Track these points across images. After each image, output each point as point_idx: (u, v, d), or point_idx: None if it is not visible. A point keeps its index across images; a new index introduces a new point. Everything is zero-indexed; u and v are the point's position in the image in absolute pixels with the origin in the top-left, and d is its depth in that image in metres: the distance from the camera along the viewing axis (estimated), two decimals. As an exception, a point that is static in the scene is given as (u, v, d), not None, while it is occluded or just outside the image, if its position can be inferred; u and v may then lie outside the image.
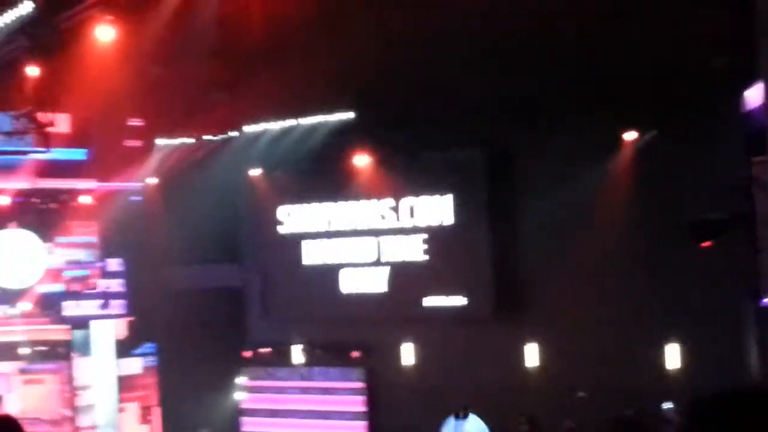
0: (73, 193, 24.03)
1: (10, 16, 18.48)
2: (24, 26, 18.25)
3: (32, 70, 18.81)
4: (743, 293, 19.28)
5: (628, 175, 20.57)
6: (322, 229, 24.67)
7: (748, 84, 16.59)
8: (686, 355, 20.34)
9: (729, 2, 16.28)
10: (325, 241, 24.68)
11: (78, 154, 23.81)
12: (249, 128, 23.63)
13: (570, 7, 17.08)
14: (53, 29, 18.12)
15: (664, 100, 19.19)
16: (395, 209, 23.68)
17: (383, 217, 23.87)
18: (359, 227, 24.24)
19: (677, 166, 19.73)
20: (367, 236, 24.13)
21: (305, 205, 24.84)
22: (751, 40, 14.41)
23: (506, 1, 17.00)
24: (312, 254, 24.90)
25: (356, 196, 24.04)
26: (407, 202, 23.52)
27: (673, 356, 20.50)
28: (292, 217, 25.09)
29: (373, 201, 23.89)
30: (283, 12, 18.20)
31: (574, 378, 21.19)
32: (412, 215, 23.50)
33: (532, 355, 22.06)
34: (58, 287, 24.50)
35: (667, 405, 19.15)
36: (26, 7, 18.29)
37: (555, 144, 20.99)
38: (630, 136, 20.44)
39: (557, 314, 21.58)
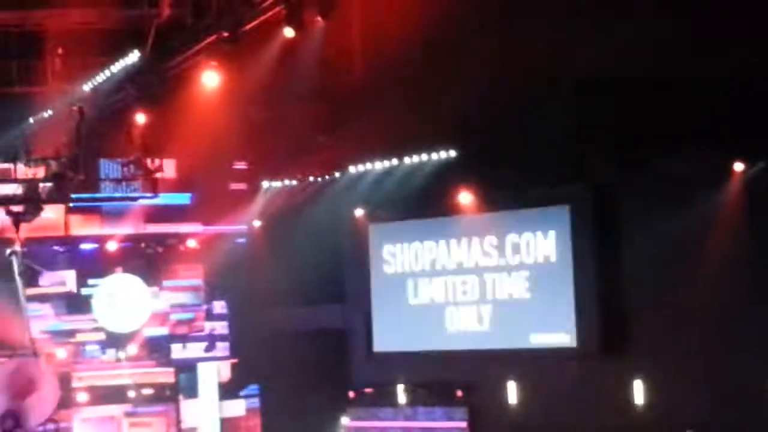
0: (179, 237, 24.38)
1: (119, 65, 18.92)
2: (131, 75, 18.63)
3: (140, 118, 19.14)
4: None
5: (737, 208, 20.25)
6: (427, 267, 24.78)
7: None
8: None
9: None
10: (430, 279, 24.76)
11: (183, 198, 24.16)
12: (352, 169, 23.78)
13: (677, 37, 16.99)
14: (160, 77, 18.43)
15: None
16: (499, 247, 23.70)
17: (488, 255, 23.91)
18: (465, 265, 24.29)
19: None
20: (472, 274, 24.17)
21: (409, 244, 24.95)
22: None
23: (613, 31, 16.95)
24: (417, 293, 25.00)
25: (460, 235, 24.10)
26: (511, 238, 23.53)
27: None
28: (397, 257, 25.20)
29: (477, 239, 23.94)
30: (383, 52, 18.39)
31: (683, 415, 20.87)
32: (517, 252, 23.52)
33: (639, 392, 21.79)
34: (164, 330, 24.80)
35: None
36: (133, 57, 18.71)
37: (661, 177, 20.75)
38: (738, 167, 20.16)
39: (664, 351, 21.23)
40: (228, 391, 25.41)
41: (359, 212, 25.21)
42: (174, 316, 24.98)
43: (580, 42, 17.67)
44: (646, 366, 21.61)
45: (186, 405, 24.93)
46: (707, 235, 20.39)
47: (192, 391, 25.01)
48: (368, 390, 25.50)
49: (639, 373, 21.72)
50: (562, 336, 22.84)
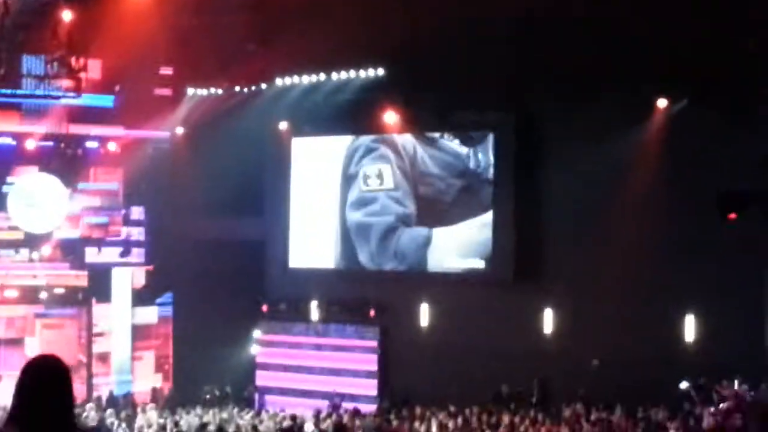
0: (100, 139, 24.02)
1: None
2: (61, -30, 18.23)
3: (67, 15, 18.74)
4: (764, 267, 19.31)
5: (657, 146, 20.51)
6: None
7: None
8: (703, 328, 20.39)
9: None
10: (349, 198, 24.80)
11: (106, 100, 23.77)
12: (279, 81, 23.57)
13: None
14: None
15: (699, 70, 19.06)
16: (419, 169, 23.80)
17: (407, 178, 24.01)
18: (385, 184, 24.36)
19: (708, 137, 19.65)
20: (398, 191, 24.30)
21: (332, 162, 25.03)
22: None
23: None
24: (337, 211, 25.05)
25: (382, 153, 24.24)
26: (432, 161, 23.59)
27: (690, 328, 20.55)
28: (319, 173, 25.28)
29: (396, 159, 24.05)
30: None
31: (591, 347, 21.24)
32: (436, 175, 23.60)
33: (548, 321, 22.15)
34: (79, 233, 24.54)
35: (685, 384, 19.13)
36: (62, -48, 18.30)
37: (585, 112, 20.94)
38: (662, 103, 20.36)
39: (578, 283, 21.60)
40: (142, 297, 25.26)
41: (283, 125, 25.10)
42: (90, 220, 24.67)
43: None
44: (558, 296, 21.96)
45: (98, 309, 24.74)
46: (628, 170, 20.67)
47: (105, 296, 24.81)
48: (282, 305, 25.58)
49: (550, 302, 22.06)
50: (477, 261, 23.06)
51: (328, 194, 25.02)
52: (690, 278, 20.12)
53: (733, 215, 17.89)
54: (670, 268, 20.37)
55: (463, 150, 23.06)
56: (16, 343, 23.73)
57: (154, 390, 24.70)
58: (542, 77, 20.85)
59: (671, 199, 20.24)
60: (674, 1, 17.30)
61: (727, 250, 19.46)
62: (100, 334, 24.81)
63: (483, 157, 22.80)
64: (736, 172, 18.48)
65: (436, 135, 23.35)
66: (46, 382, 4.25)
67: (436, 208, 23.49)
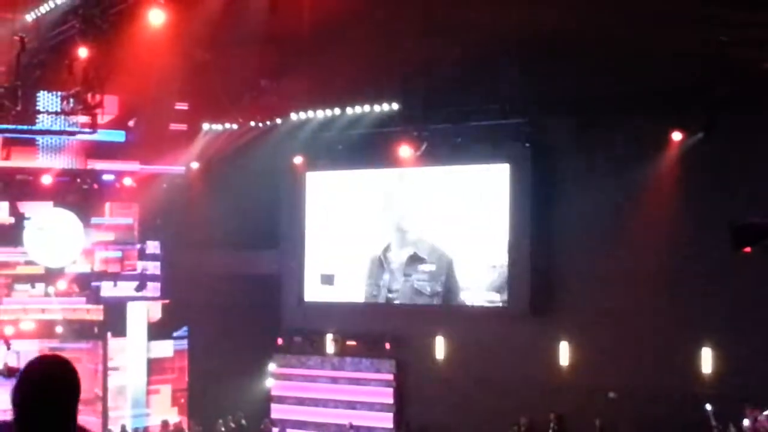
0: (116, 174, 24.16)
1: (64, -3, 18.62)
2: (76, 7, 18.33)
3: (83, 52, 18.83)
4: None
5: (672, 177, 20.52)
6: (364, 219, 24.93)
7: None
8: (720, 360, 20.31)
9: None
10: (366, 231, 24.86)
11: (119, 135, 23.89)
12: (294, 116, 23.65)
13: (618, 9, 17.12)
14: (105, 11, 18.17)
15: (712, 102, 19.11)
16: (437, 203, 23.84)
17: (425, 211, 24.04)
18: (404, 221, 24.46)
19: (722, 169, 19.69)
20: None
21: (347, 195, 25.11)
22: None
23: (558, 4, 17.05)
24: (352, 244, 25.06)
25: (398, 187, 24.37)
26: (449, 194, 23.65)
27: (706, 360, 20.48)
28: (334, 207, 25.32)
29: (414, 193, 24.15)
30: (332, 2, 18.28)
31: (606, 378, 21.20)
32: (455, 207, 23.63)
33: (564, 353, 22.10)
34: (95, 268, 24.64)
35: (709, 407, 19.09)
36: (79, -11, 18.41)
37: (600, 144, 21.00)
38: (676, 137, 20.39)
39: (592, 314, 21.56)
40: (157, 331, 25.31)
41: (298, 159, 25.19)
42: (106, 254, 24.78)
43: (528, 7, 17.71)
44: (573, 328, 21.93)
45: (114, 343, 24.79)
46: (643, 202, 20.68)
47: (121, 330, 24.88)
48: (297, 338, 25.60)
49: (565, 335, 22.02)
50: (493, 295, 23.05)
51: (346, 228, 25.05)
52: (706, 310, 20.09)
53: (747, 249, 17.83)
54: (686, 300, 20.34)
55: (479, 182, 23.09)
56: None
57: (165, 424, 24.65)
58: (558, 108, 20.92)
59: (687, 230, 20.22)
60: (690, 34, 17.28)
61: (742, 281, 19.44)
62: (116, 368, 24.84)
63: (499, 188, 22.83)
64: (750, 204, 18.44)
65: (452, 167, 23.38)
66: (47, 393, 4.06)
67: (451, 240, 23.49)
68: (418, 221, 24.11)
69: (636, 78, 19.01)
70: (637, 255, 20.58)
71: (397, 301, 24.29)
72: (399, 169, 23.82)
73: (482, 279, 23.11)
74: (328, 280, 25.33)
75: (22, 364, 4.31)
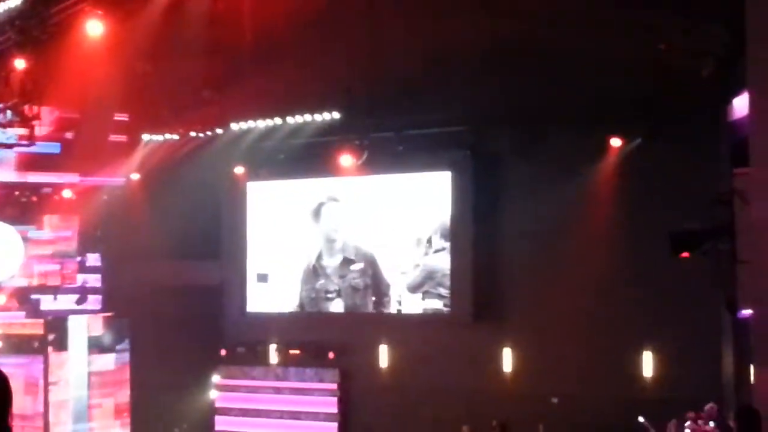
0: (55, 186, 23.93)
1: (0, 8, 18.39)
2: (13, 18, 18.13)
3: (20, 63, 18.66)
4: (721, 304, 19.42)
5: (612, 184, 20.72)
6: (304, 229, 24.93)
7: (734, 93, 16.67)
8: (661, 365, 20.51)
9: (714, 12, 16.41)
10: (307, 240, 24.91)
11: (54, 147, 23.64)
12: (235, 126, 23.57)
13: (558, 19, 17.27)
14: (43, 22, 18.01)
15: (650, 109, 19.34)
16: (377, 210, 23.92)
17: (366, 218, 24.08)
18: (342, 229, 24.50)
19: (661, 175, 19.92)
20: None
21: (288, 204, 25.08)
22: (736, 50, 14.52)
23: (498, 15, 17.17)
24: (294, 254, 25.09)
25: (340, 196, 24.39)
26: (390, 202, 23.80)
27: (648, 365, 20.67)
28: (275, 216, 25.31)
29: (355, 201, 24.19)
30: (273, 12, 18.25)
31: (550, 384, 21.33)
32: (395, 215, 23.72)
33: (507, 359, 22.21)
34: (35, 281, 24.38)
35: (642, 419, 19.25)
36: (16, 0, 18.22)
37: (541, 151, 21.14)
38: (616, 143, 20.60)
39: (535, 321, 21.71)
40: (98, 344, 25.08)
41: (239, 170, 25.12)
42: (45, 267, 24.53)
43: (470, 17, 17.84)
44: (517, 334, 22.06)
45: (55, 357, 24.53)
46: (584, 209, 20.85)
47: (61, 344, 24.62)
48: (240, 349, 25.50)
49: (509, 342, 22.14)
50: (435, 301, 23.13)
51: (284, 237, 25.00)
52: (647, 315, 20.29)
53: (685, 254, 17.99)
54: (628, 305, 20.52)
55: (420, 189, 23.19)
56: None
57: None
58: (499, 117, 21.06)
59: (627, 236, 20.44)
60: (628, 42, 17.47)
61: (683, 287, 19.62)
62: (57, 383, 24.58)
63: (440, 196, 22.93)
64: (688, 210, 18.61)
65: (394, 176, 23.46)
66: None
67: (392, 249, 23.55)
68: (348, 229, 24.20)
69: (576, 86, 19.15)
70: (578, 261, 20.76)
71: (335, 302, 24.33)
72: (339, 178, 23.83)
73: (424, 285, 23.17)
74: (262, 278, 25.37)
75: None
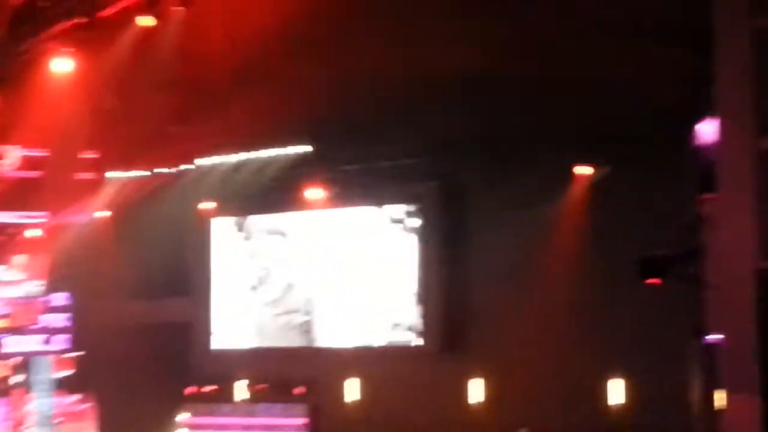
0: (21, 225, 23.81)
1: (-34, 45, 18.40)
2: (-22, 57, 18.17)
3: (-13, 101, 18.67)
4: (688, 330, 19.59)
5: (579, 212, 20.87)
6: (270, 264, 24.95)
7: (700, 119, 16.84)
8: (630, 392, 20.59)
9: (681, 40, 16.65)
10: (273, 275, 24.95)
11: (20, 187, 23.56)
12: (202, 162, 23.59)
13: (525, 49, 17.48)
14: (11, 60, 18.05)
15: (618, 136, 19.52)
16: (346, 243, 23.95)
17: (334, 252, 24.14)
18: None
19: (629, 202, 20.06)
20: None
21: (254, 239, 25.06)
22: (703, 75, 14.70)
23: (466, 45, 17.35)
24: (260, 290, 25.11)
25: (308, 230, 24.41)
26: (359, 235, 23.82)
27: (617, 392, 20.76)
28: (240, 252, 25.27)
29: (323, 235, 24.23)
30: (239, 47, 18.37)
31: (519, 415, 21.36)
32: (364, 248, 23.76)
33: (477, 391, 22.23)
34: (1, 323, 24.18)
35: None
36: (-18, 37, 18.23)
37: (509, 181, 21.24)
38: (584, 171, 20.79)
39: (504, 351, 21.72)
40: (65, 385, 24.87)
41: (205, 205, 25.11)
42: (10, 307, 24.32)
43: (436, 47, 18.00)
44: (487, 365, 22.04)
45: (19, 399, 24.30)
46: (553, 238, 20.98)
47: (27, 385, 24.40)
48: (207, 387, 25.38)
49: (479, 372, 22.15)
50: (406, 334, 23.17)
51: (247, 272, 25.10)
52: (617, 343, 20.35)
53: (654, 280, 18.11)
54: (596, 334, 20.56)
55: (389, 221, 23.28)
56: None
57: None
58: (467, 146, 21.17)
59: (596, 265, 20.51)
60: (593, 67, 17.68)
61: (652, 314, 19.72)
62: (21, 423, 24.35)
63: (409, 227, 23.03)
64: (658, 236, 18.79)
65: (362, 208, 23.53)
66: None
67: (360, 281, 23.60)
68: (310, 264, 24.31)
69: (543, 114, 19.33)
70: (549, 289, 20.82)
71: (303, 336, 24.38)
72: (304, 212, 23.89)
73: (392, 318, 23.23)
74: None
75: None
